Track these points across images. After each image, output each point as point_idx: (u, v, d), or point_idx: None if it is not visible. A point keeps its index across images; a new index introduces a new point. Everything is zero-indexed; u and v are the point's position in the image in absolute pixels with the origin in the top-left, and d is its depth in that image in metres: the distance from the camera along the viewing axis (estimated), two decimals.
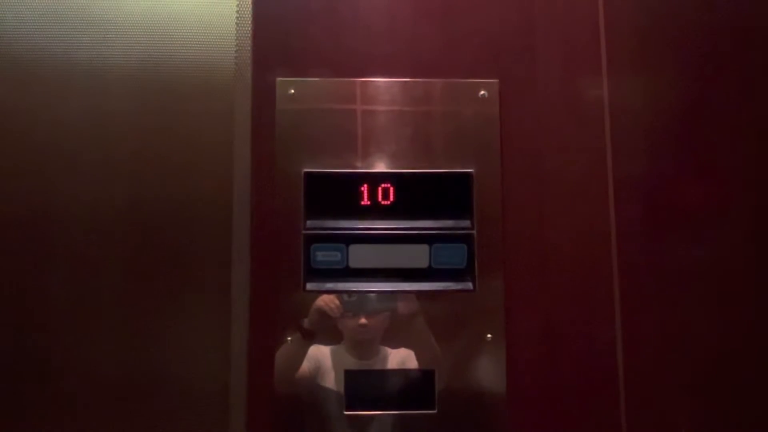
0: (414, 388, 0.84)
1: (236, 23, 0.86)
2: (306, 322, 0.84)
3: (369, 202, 0.85)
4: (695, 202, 0.87)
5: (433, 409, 0.83)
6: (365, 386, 0.84)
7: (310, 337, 0.84)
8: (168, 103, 0.84)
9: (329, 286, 0.84)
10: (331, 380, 0.83)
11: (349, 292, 0.84)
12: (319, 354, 0.84)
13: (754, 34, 0.90)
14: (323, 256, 0.84)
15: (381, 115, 0.86)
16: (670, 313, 0.86)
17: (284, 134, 0.86)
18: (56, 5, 0.85)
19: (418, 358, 0.84)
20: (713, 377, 0.85)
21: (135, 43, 0.85)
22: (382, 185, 0.85)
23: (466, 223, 0.85)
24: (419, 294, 0.84)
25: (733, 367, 0.86)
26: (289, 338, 0.83)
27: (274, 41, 0.87)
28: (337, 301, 0.84)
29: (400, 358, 0.84)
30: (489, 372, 0.84)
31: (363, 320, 0.84)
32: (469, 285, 0.85)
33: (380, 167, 0.86)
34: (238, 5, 0.86)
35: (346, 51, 0.87)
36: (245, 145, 0.85)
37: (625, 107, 0.87)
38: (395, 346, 0.84)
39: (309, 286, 0.84)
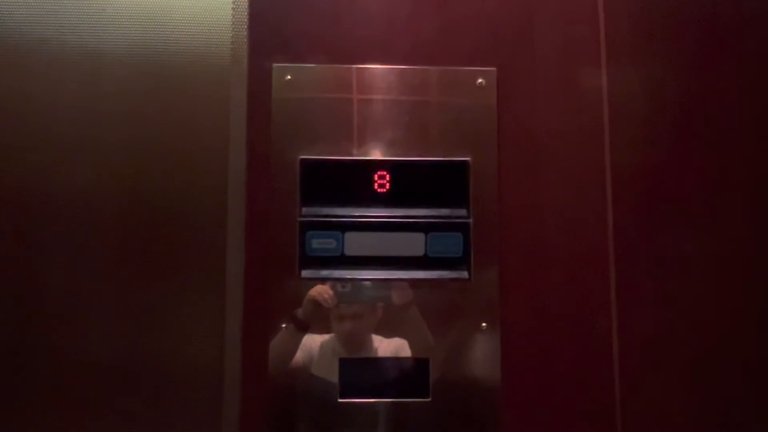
0: (408, 377, 0.83)
1: (233, 8, 0.85)
2: (300, 313, 0.83)
3: (365, 190, 0.85)
4: (693, 192, 0.87)
5: (428, 397, 0.83)
6: (360, 374, 0.83)
7: (304, 328, 0.83)
8: (163, 89, 0.84)
9: (324, 273, 0.84)
10: (325, 368, 0.83)
11: (344, 280, 0.84)
12: (313, 343, 0.83)
13: (753, 24, 0.89)
14: (319, 243, 0.84)
15: (378, 103, 0.86)
16: (666, 303, 0.86)
17: (280, 120, 0.85)
18: None
19: (412, 348, 0.84)
20: (709, 369, 0.85)
21: (130, 29, 0.84)
22: (379, 173, 0.85)
23: (462, 211, 0.85)
24: (414, 282, 0.84)
25: (729, 359, 0.86)
26: (283, 325, 0.83)
27: (270, 27, 0.86)
28: (330, 291, 0.84)
29: (394, 347, 0.84)
30: (483, 361, 0.84)
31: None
32: (465, 274, 0.84)
33: (377, 155, 0.85)
34: None
35: (343, 37, 0.87)
36: (241, 131, 0.84)
37: (623, 96, 0.87)
38: (389, 336, 0.84)
39: (304, 273, 0.83)
